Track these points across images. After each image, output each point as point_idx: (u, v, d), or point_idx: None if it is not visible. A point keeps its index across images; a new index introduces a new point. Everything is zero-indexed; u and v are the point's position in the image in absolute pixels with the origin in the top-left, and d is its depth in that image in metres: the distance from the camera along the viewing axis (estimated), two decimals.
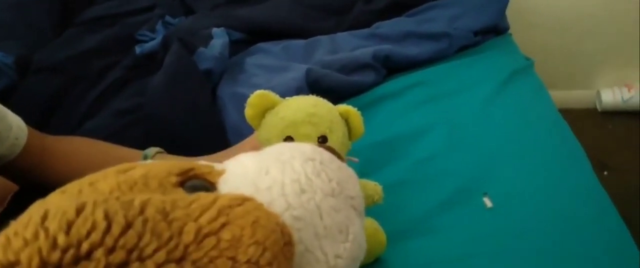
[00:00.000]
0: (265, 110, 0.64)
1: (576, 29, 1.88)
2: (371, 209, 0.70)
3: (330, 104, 0.65)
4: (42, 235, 0.23)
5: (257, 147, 0.70)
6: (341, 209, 0.30)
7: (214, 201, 0.26)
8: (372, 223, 0.69)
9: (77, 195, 0.28)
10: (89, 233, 0.23)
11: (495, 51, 1.16)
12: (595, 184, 0.86)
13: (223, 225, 0.24)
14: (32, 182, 0.76)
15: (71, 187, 0.29)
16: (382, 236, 0.69)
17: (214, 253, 0.23)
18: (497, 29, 1.22)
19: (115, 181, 0.28)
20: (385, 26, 1.19)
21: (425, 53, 1.10)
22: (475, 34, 1.16)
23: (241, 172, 0.29)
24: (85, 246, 0.23)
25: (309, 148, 0.33)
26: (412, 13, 1.24)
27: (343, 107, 0.65)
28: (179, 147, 0.80)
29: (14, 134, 0.69)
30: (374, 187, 0.67)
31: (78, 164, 0.77)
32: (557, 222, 0.77)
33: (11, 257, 0.22)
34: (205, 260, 0.23)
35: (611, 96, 1.95)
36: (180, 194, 0.28)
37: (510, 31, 1.28)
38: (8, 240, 0.23)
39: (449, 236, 0.75)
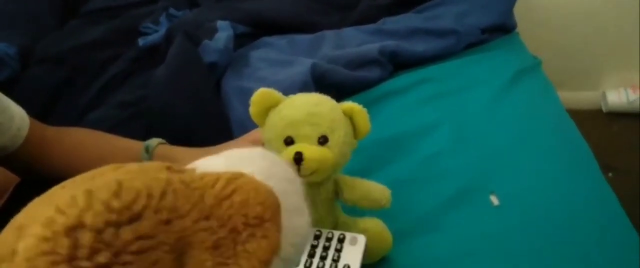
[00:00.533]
0: (268, 108, 0.63)
1: (582, 30, 1.87)
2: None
3: (333, 102, 0.64)
4: (96, 202, 0.27)
5: (256, 142, 0.69)
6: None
7: (220, 175, 0.32)
8: (377, 223, 0.68)
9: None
10: (134, 199, 0.27)
11: (502, 49, 1.15)
12: (602, 183, 0.85)
13: (233, 191, 0.31)
14: (34, 173, 0.76)
15: (70, 183, 0.31)
16: (388, 235, 0.69)
17: (230, 211, 0.30)
18: (504, 27, 1.21)
19: (113, 175, 0.31)
20: (392, 22, 1.18)
21: (432, 50, 1.09)
22: (483, 31, 1.15)
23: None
24: (136, 207, 0.27)
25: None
26: (419, 9, 1.23)
27: (347, 104, 0.64)
28: (182, 139, 0.79)
29: (16, 125, 0.69)
30: (382, 191, 0.65)
31: (80, 155, 0.76)
32: (563, 221, 0.76)
33: (74, 221, 0.26)
34: (225, 217, 0.30)
35: (617, 97, 1.94)
36: None
37: (517, 30, 1.27)
38: (61, 211, 0.27)
39: (455, 233, 0.75)
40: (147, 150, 0.74)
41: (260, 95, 0.63)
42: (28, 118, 0.72)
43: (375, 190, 0.65)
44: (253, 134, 0.72)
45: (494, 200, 0.79)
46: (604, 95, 1.98)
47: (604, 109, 2.00)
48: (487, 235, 0.74)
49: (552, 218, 0.76)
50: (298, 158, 0.58)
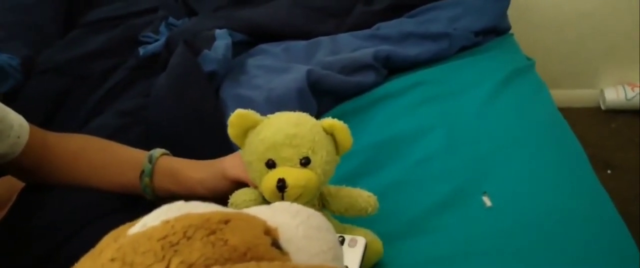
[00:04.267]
0: (246, 129, 0.62)
1: (579, 28, 1.88)
2: None
3: (313, 120, 0.63)
4: None
5: (225, 177, 0.69)
6: None
7: None
8: (367, 234, 0.68)
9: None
10: None
11: (495, 51, 1.16)
12: (593, 183, 0.86)
13: None
14: (36, 178, 0.77)
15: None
16: (378, 245, 0.68)
17: None
18: (498, 30, 1.22)
19: (204, 250, 0.31)
20: (385, 27, 1.20)
21: (426, 53, 1.11)
22: (476, 34, 1.16)
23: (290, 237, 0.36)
24: None
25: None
26: (412, 14, 1.24)
27: (328, 121, 0.62)
28: (182, 148, 0.81)
29: (15, 133, 0.70)
30: (367, 199, 0.65)
31: (81, 162, 0.77)
32: (555, 221, 0.77)
33: None
34: None
35: (615, 94, 1.95)
36: (277, 255, 0.34)
37: (512, 31, 1.28)
38: None
39: (448, 235, 0.76)
40: (150, 160, 0.75)
41: (238, 116, 0.62)
42: (28, 125, 0.73)
43: (360, 198, 0.65)
44: (222, 169, 0.72)
45: (487, 201, 0.80)
46: (602, 93, 1.99)
47: (602, 107, 2.01)
48: (480, 236, 0.75)
49: (545, 219, 0.77)
50: (281, 186, 0.57)
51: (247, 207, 0.62)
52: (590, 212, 0.80)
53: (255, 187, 0.65)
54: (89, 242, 0.35)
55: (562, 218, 0.78)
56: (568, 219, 0.78)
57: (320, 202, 0.66)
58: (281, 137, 0.59)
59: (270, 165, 0.60)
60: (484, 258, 0.72)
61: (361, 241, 0.62)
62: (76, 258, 0.35)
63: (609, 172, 1.67)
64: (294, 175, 0.58)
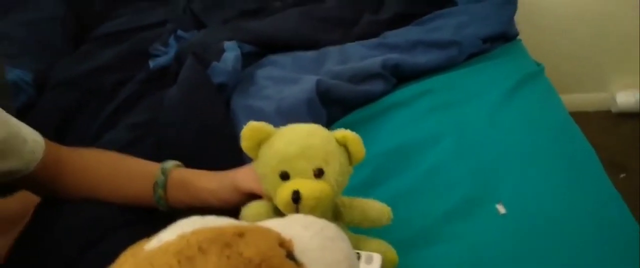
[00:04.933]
0: (259, 142, 0.63)
1: (589, 32, 1.87)
2: None
3: (326, 132, 0.63)
4: None
5: (247, 176, 0.69)
6: None
7: None
8: (381, 244, 0.68)
9: None
10: None
11: (504, 58, 1.16)
12: (607, 187, 0.86)
13: None
14: (50, 192, 0.78)
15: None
16: (393, 255, 0.68)
17: None
18: (506, 36, 1.22)
19: (219, 263, 0.31)
20: (393, 35, 1.20)
21: (434, 61, 1.11)
22: (484, 41, 1.16)
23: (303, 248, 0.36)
24: None
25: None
26: (420, 22, 1.24)
27: (340, 133, 0.62)
28: (193, 160, 0.81)
29: (29, 148, 0.70)
30: (381, 210, 0.65)
31: (94, 175, 0.78)
32: (570, 227, 0.77)
33: None
34: None
35: (626, 98, 1.94)
36: (292, 266, 0.34)
37: (520, 36, 1.28)
38: None
39: (461, 243, 0.76)
40: (163, 172, 0.76)
41: (250, 129, 0.62)
42: (43, 140, 0.73)
43: (374, 209, 0.65)
44: (234, 182, 0.72)
45: (501, 208, 0.80)
46: (613, 97, 1.98)
47: (613, 110, 1.99)
48: (493, 244, 0.75)
49: (558, 225, 0.77)
50: (296, 198, 0.57)
51: (259, 220, 0.63)
52: (604, 217, 0.79)
53: (268, 199, 0.65)
54: (106, 255, 0.35)
55: (576, 223, 0.77)
56: (582, 224, 0.77)
57: (333, 213, 0.66)
58: (294, 149, 0.60)
59: (284, 177, 0.60)
60: (497, 265, 0.72)
61: (377, 258, 0.61)
62: None
63: (622, 175, 1.66)
64: (309, 187, 0.58)
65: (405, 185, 0.85)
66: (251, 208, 0.66)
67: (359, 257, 0.62)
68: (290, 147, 0.60)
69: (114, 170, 0.79)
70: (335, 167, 0.60)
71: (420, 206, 0.82)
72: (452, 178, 0.86)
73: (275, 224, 0.38)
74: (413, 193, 0.84)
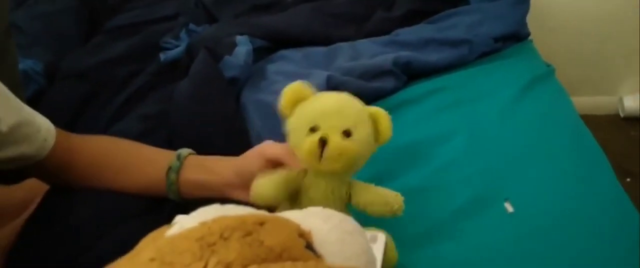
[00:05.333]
0: (297, 101, 0.66)
1: (597, 35, 1.86)
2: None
3: (361, 104, 0.66)
4: None
5: (262, 155, 0.70)
6: None
7: None
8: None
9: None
10: None
11: (515, 58, 1.16)
12: (617, 190, 0.86)
13: None
14: (61, 180, 0.78)
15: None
16: (392, 248, 0.68)
17: None
18: (517, 36, 1.22)
19: (241, 250, 0.31)
20: (405, 33, 1.20)
21: (446, 59, 1.10)
22: (496, 40, 1.16)
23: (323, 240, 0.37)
24: None
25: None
26: (432, 20, 1.24)
27: (374, 108, 0.66)
28: (204, 153, 0.82)
29: (42, 136, 0.71)
30: (395, 197, 0.66)
31: (106, 163, 0.79)
32: (578, 228, 0.77)
33: None
34: None
35: (634, 102, 1.93)
36: (311, 256, 0.34)
37: (531, 37, 1.27)
38: None
39: (470, 240, 0.76)
40: (178, 158, 0.77)
41: (292, 89, 0.66)
42: (54, 129, 0.74)
43: (389, 194, 0.66)
44: (259, 148, 0.73)
45: (509, 207, 0.80)
46: (621, 100, 1.97)
47: (621, 114, 1.99)
48: (501, 242, 0.75)
49: (567, 225, 0.77)
50: (324, 143, 0.60)
51: (268, 197, 0.64)
52: (613, 218, 0.79)
53: (288, 167, 0.67)
54: (116, 244, 0.36)
55: (584, 224, 0.78)
56: (591, 225, 0.77)
57: (347, 192, 0.67)
58: (331, 106, 0.63)
59: (314, 130, 0.62)
60: (505, 264, 0.72)
61: (381, 237, 0.61)
62: (103, 260, 0.35)
63: (628, 180, 1.66)
64: (337, 139, 0.61)
65: (414, 182, 0.85)
66: (266, 181, 0.66)
67: None
68: (326, 104, 0.63)
69: (126, 157, 0.80)
70: (363, 135, 0.63)
71: (429, 203, 0.82)
72: (462, 177, 0.86)
73: (294, 215, 0.39)
74: (423, 190, 0.84)
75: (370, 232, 0.62)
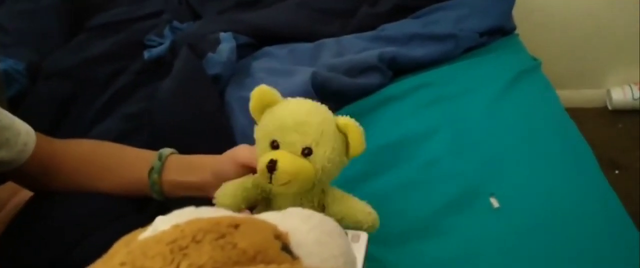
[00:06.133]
0: (264, 105, 0.62)
1: (584, 28, 1.87)
2: (376, 211, 0.70)
3: (328, 114, 0.62)
4: None
5: (237, 160, 0.69)
6: None
7: None
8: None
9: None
10: None
11: (501, 52, 1.16)
12: (602, 183, 0.86)
13: None
14: (42, 186, 0.77)
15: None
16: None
17: None
18: (503, 30, 1.22)
19: (213, 253, 0.30)
20: (390, 28, 1.20)
21: (431, 54, 1.10)
22: (481, 35, 1.16)
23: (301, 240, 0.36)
24: None
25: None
26: (417, 15, 1.24)
27: (343, 120, 0.61)
28: (187, 151, 0.81)
29: (22, 140, 0.70)
30: (367, 215, 0.63)
31: (88, 166, 0.78)
32: (563, 222, 0.77)
33: None
34: None
35: (621, 94, 1.94)
36: (286, 258, 0.33)
37: (517, 31, 1.27)
38: None
39: (456, 236, 0.76)
40: (160, 157, 0.76)
41: (259, 91, 0.62)
42: (34, 133, 0.73)
43: (361, 211, 0.63)
44: (232, 153, 0.72)
45: (494, 202, 0.81)
46: (608, 93, 1.98)
47: (609, 107, 2.00)
48: (487, 237, 0.75)
49: (552, 220, 0.77)
50: (271, 167, 0.57)
51: (234, 203, 0.63)
52: (598, 213, 0.80)
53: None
54: (98, 247, 0.35)
55: (570, 218, 0.78)
56: (576, 220, 0.78)
57: (320, 201, 0.65)
58: (291, 121, 0.59)
59: (275, 146, 0.60)
60: (491, 260, 0.73)
61: (363, 237, 0.60)
62: (85, 263, 0.35)
63: (616, 172, 1.67)
64: (289, 161, 0.57)
65: (401, 178, 0.86)
66: (226, 189, 0.65)
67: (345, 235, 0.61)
68: (287, 118, 0.59)
69: (109, 159, 0.79)
70: (325, 152, 0.59)
71: (415, 199, 0.82)
72: (448, 172, 0.86)
73: (273, 217, 0.38)
74: (408, 186, 0.84)
75: (352, 231, 0.60)
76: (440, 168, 0.87)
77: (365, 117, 0.97)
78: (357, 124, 0.61)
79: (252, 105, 0.63)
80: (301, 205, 0.64)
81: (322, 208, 0.65)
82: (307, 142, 0.58)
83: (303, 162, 0.58)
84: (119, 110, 1.07)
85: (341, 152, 0.61)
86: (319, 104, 0.63)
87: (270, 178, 0.57)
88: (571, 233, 0.76)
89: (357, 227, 0.62)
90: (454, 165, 0.87)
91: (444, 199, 0.81)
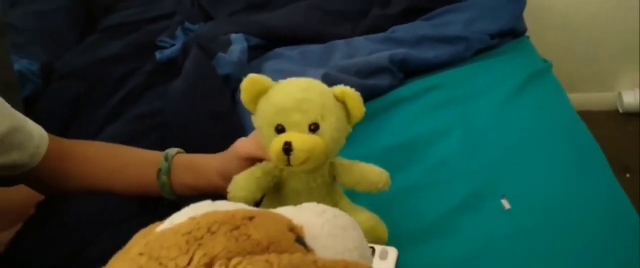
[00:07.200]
0: (258, 94, 0.62)
1: (596, 31, 1.86)
2: (387, 212, 0.71)
3: (323, 86, 0.63)
4: None
5: (240, 154, 0.69)
6: None
7: (335, 262, 0.33)
8: (370, 218, 0.67)
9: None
10: None
11: (512, 54, 1.16)
12: (613, 186, 0.85)
13: None
14: (52, 188, 0.78)
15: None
16: (381, 231, 0.68)
17: None
18: (514, 32, 1.22)
19: (227, 244, 0.31)
20: (401, 30, 1.20)
21: (442, 56, 1.10)
22: (492, 37, 1.16)
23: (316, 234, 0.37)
24: None
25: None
26: (428, 17, 1.24)
27: (339, 88, 0.62)
28: (198, 151, 0.81)
29: (35, 143, 0.70)
30: (379, 174, 0.64)
31: (98, 167, 0.78)
32: (574, 224, 0.77)
33: None
34: None
35: (633, 97, 1.93)
36: (299, 249, 0.34)
37: (528, 33, 1.27)
38: None
39: (466, 237, 0.76)
40: (165, 158, 0.76)
41: (249, 81, 0.62)
42: (47, 135, 0.73)
43: (372, 172, 0.64)
44: (233, 149, 0.72)
45: (505, 204, 0.80)
46: (620, 96, 1.97)
47: (620, 110, 1.98)
48: (498, 239, 0.75)
49: (563, 222, 0.77)
50: (287, 148, 0.57)
51: (247, 197, 0.63)
52: (609, 215, 0.79)
53: (265, 160, 0.65)
54: (110, 247, 0.36)
55: (581, 221, 0.77)
56: (587, 222, 0.77)
57: (331, 173, 0.66)
58: (290, 101, 0.59)
59: (280, 130, 0.60)
60: (502, 260, 0.72)
61: (392, 253, 0.61)
62: (97, 262, 0.35)
63: (627, 175, 1.65)
64: (301, 139, 0.58)
65: (411, 179, 0.85)
66: (237, 183, 0.64)
67: (373, 252, 0.61)
68: (286, 99, 0.60)
69: (117, 161, 0.79)
70: (332, 123, 0.60)
71: (426, 200, 0.82)
72: (459, 173, 0.86)
73: (287, 211, 0.38)
74: (419, 187, 0.84)
75: (380, 247, 0.61)
76: (451, 169, 0.87)
77: (375, 118, 0.98)
78: (352, 90, 0.62)
79: (245, 97, 0.63)
80: (314, 181, 0.64)
81: (332, 179, 0.66)
82: (312, 118, 0.59)
83: (314, 138, 0.59)
84: (130, 111, 1.08)
85: (344, 119, 0.62)
86: (311, 79, 0.64)
87: (288, 160, 0.58)
88: (582, 235, 0.75)
89: (373, 187, 0.64)
90: (465, 167, 0.87)
91: (455, 200, 0.81)
